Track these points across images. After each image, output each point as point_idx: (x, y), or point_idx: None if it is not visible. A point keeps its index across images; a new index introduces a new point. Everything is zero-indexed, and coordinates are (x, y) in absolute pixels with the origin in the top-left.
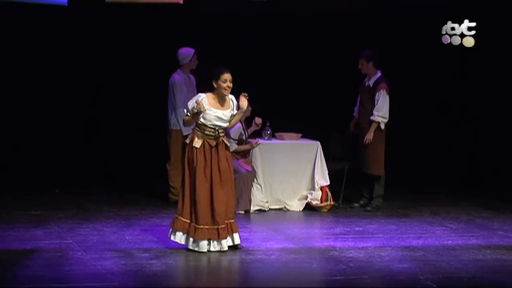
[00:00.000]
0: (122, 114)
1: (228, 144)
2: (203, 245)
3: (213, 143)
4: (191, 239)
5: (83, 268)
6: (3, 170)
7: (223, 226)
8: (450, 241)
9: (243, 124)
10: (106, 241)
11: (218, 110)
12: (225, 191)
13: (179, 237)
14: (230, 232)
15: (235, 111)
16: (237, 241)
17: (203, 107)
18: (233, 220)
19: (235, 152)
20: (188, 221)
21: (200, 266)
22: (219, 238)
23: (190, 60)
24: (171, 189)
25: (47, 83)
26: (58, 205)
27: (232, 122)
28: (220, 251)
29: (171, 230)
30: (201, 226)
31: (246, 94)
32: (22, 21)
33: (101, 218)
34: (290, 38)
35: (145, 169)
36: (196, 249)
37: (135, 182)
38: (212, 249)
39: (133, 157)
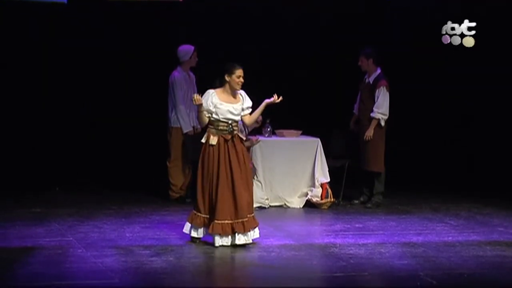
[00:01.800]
0: (122, 112)
1: (244, 138)
2: (228, 240)
3: (228, 137)
4: (217, 237)
5: (83, 265)
6: (3, 168)
7: (247, 219)
8: (450, 238)
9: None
10: (107, 239)
11: (229, 104)
12: (246, 186)
13: (200, 232)
14: (253, 226)
15: (246, 104)
16: (254, 235)
17: (200, 100)
18: (253, 214)
19: None
20: (208, 216)
21: (201, 263)
22: (244, 231)
23: (190, 58)
24: (171, 186)
25: (46, 80)
26: (58, 202)
27: (253, 116)
28: (245, 244)
29: (190, 225)
30: (225, 222)
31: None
32: (22, 19)
33: (101, 216)
34: (290, 35)
35: (145, 167)
36: (222, 243)
37: (135, 179)
38: (237, 242)
39: (133, 154)
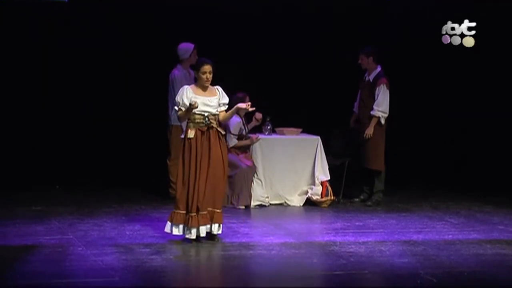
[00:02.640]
0: (122, 110)
1: (223, 133)
2: (177, 230)
3: (204, 129)
4: (180, 226)
5: (83, 263)
6: (3, 166)
7: (204, 213)
8: (450, 236)
9: (243, 119)
10: (107, 237)
11: (203, 97)
12: (212, 180)
13: (181, 229)
14: (210, 221)
15: (222, 99)
16: (215, 231)
17: (197, 103)
18: (218, 210)
19: (235, 147)
20: (185, 212)
21: (200, 261)
22: (191, 225)
23: (190, 55)
24: (171, 184)
25: (47, 80)
26: (58, 200)
27: (226, 115)
28: (193, 238)
29: (170, 224)
30: (178, 211)
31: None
32: (23, 18)
33: (101, 214)
34: (291, 33)
35: (145, 165)
36: (168, 231)
37: (135, 177)
38: (187, 236)
39: (133, 152)
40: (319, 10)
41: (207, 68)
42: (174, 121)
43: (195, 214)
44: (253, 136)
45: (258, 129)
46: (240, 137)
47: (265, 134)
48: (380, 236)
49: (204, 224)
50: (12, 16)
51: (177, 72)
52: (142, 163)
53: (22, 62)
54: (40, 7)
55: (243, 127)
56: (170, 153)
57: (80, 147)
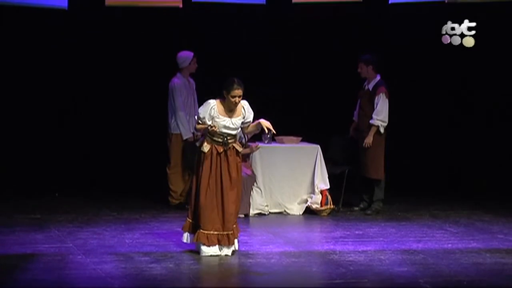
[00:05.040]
0: (122, 118)
1: (240, 150)
2: (216, 250)
3: (220, 149)
4: (203, 247)
5: (83, 271)
6: (3, 174)
7: (231, 232)
8: (450, 245)
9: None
10: (106, 245)
11: (227, 118)
12: (234, 198)
13: (186, 238)
14: (236, 237)
15: (247, 118)
16: (236, 246)
17: (218, 127)
18: (235, 225)
19: None
20: (192, 221)
21: (200, 270)
22: (229, 244)
23: (189, 64)
24: (171, 192)
25: (47, 86)
26: (58, 209)
27: (249, 130)
28: (226, 255)
29: (184, 232)
30: (211, 232)
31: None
32: (22, 25)
33: (101, 222)
34: (290, 41)
35: (145, 173)
36: (210, 253)
37: (135, 185)
38: (222, 253)
39: (133, 160)
40: (318, 16)
41: (238, 92)
42: (174, 129)
43: (219, 233)
44: (253, 144)
45: (257, 138)
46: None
47: (264, 143)
48: (379, 245)
49: (233, 243)
50: (13, 22)
51: (177, 81)
52: (142, 171)
53: (21, 67)
54: (40, 14)
55: (242, 136)
56: (170, 161)
57: (80, 155)
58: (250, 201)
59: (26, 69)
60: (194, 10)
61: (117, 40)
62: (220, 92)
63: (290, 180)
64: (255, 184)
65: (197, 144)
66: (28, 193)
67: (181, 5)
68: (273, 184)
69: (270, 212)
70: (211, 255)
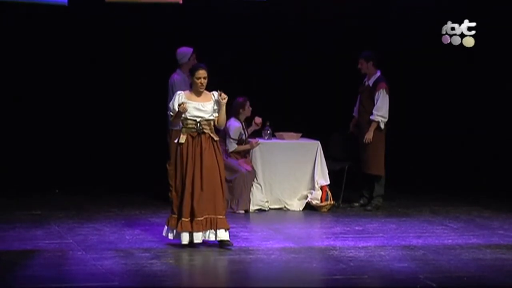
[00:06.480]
0: (122, 114)
1: (216, 139)
2: (184, 237)
3: (195, 134)
4: (174, 231)
5: (83, 267)
6: (3, 170)
7: (201, 219)
8: (450, 240)
9: (243, 123)
10: (106, 241)
11: (197, 102)
12: (208, 186)
13: (172, 235)
14: (213, 227)
15: (216, 106)
16: (223, 237)
17: (187, 107)
18: (221, 216)
19: (235, 152)
20: (176, 217)
21: (200, 265)
22: (192, 230)
23: (189, 60)
24: (171, 188)
25: (47, 83)
26: (58, 205)
27: (220, 118)
28: (185, 244)
29: (166, 228)
30: (184, 219)
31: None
32: (22, 21)
33: (101, 218)
34: (289, 37)
35: (145, 169)
36: (179, 241)
37: (135, 182)
38: (196, 240)
39: (133, 156)
40: (318, 15)
41: (202, 73)
42: (173, 125)
43: (187, 219)
44: (253, 140)
45: (257, 134)
46: (239, 141)
47: (264, 139)
48: (379, 241)
49: (199, 231)
50: (12, 18)
51: (177, 77)
52: (142, 167)
53: (20, 64)
54: (39, 9)
55: (242, 132)
56: (170, 157)
57: (80, 151)
58: (250, 197)
59: (26, 66)
60: (194, 6)
61: (117, 36)
62: (216, 88)
63: (290, 176)
64: (255, 180)
65: (175, 141)
66: (28, 189)
67: (181, 1)
68: (273, 180)
69: (270, 208)
70: (168, 237)
